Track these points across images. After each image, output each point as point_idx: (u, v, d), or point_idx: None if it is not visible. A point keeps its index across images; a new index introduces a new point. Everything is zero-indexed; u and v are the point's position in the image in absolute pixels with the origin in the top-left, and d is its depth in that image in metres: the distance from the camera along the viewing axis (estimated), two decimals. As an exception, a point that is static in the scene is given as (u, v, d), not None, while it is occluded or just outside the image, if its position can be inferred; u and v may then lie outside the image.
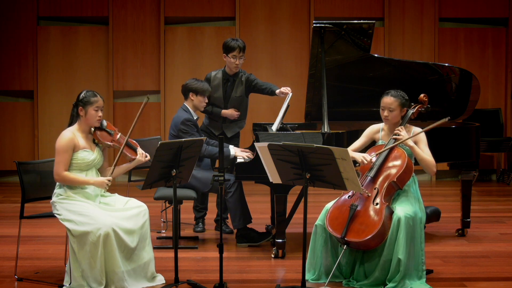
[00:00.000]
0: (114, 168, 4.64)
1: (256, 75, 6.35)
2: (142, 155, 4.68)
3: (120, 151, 4.60)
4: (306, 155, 4.20)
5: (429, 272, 4.78)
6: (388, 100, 4.77)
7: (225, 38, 9.22)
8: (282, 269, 5.09)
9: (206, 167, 5.92)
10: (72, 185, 4.54)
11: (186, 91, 5.88)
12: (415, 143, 4.72)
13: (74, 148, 4.54)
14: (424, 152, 4.69)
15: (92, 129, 4.65)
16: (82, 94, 4.61)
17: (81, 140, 4.58)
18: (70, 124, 4.65)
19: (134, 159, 4.68)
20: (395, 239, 4.43)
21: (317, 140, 5.28)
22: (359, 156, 4.70)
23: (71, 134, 4.57)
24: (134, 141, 4.78)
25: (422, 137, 4.76)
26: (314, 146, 4.15)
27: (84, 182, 4.55)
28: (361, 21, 5.70)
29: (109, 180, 4.58)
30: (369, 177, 4.62)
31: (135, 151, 4.71)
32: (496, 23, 9.76)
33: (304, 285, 4.36)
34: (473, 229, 6.22)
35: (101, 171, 4.71)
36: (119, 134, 4.72)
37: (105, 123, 4.70)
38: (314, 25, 5.61)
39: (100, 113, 4.61)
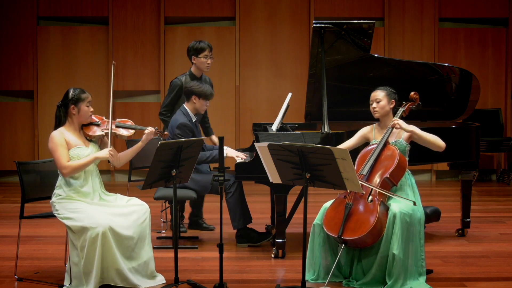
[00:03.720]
0: (109, 143, 4.65)
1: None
2: (150, 132, 4.72)
3: (109, 135, 4.62)
4: (306, 155, 4.20)
5: (429, 272, 4.78)
6: (374, 93, 4.91)
7: (225, 38, 9.26)
8: (282, 269, 5.09)
9: (205, 170, 5.92)
10: (76, 175, 4.53)
11: (189, 93, 5.82)
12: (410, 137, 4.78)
13: (67, 146, 4.54)
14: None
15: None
16: (71, 93, 4.63)
17: (72, 138, 4.58)
18: (58, 126, 4.62)
19: (129, 136, 4.73)
20: (391, 235, 4.43)
21: (317, 140, 5.28)
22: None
23: (60, 133, 4.57)
24: (124, 119, 4.80)
25: (415, 129, 4.78)
26: (314, 146, 4.15)
27: (90, 160, 4.55)
28: (361, 21, 5.70)
29: (111, 150, 4.60)
30: (363, 175, 4.63)
31: (129, 129, 4.73)
32: (496, 23, 9.76)
33: (304, 285, 4.36)
34: (473, 229, 6.22)
35: (111, 160, 4.72)
36: (107, 120, 4.73)
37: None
38: (314, 25, 5.61)
39: (91, 108, 4.64)
